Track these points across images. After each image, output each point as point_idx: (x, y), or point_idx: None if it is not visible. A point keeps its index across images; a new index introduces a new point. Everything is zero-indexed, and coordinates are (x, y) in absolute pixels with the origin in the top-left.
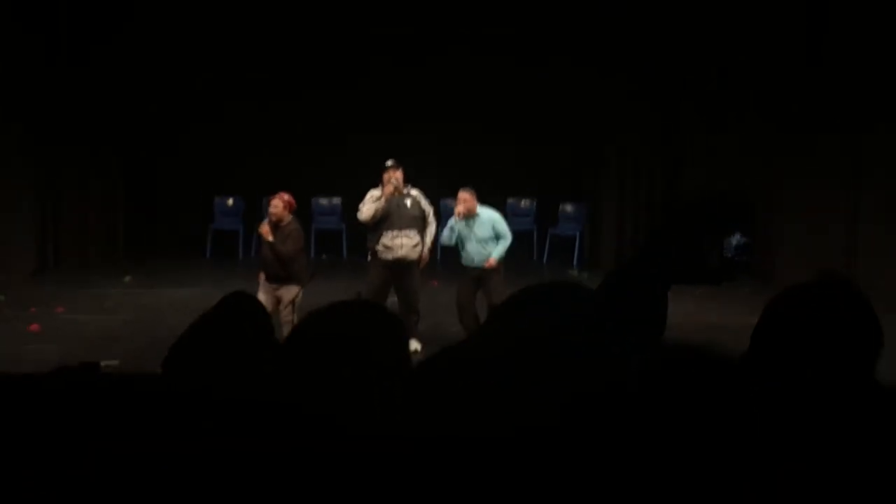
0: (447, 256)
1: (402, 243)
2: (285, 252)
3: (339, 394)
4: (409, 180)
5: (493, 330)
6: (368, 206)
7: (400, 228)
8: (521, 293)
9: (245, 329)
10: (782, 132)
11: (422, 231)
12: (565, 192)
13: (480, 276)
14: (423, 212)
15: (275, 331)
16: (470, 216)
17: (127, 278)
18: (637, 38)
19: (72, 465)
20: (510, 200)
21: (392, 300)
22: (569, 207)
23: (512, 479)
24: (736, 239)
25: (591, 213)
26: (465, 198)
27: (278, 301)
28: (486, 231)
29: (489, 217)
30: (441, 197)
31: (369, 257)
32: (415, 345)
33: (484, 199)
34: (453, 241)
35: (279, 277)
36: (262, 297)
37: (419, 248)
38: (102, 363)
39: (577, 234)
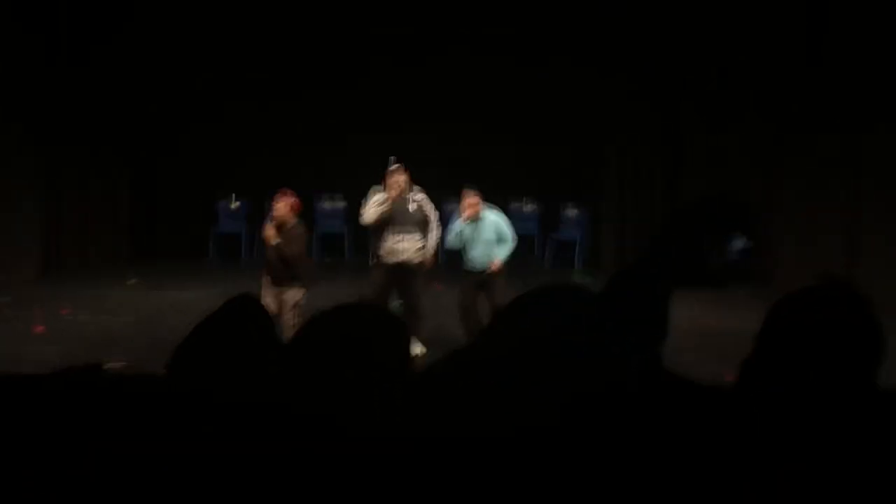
0: (450, 259)
1: (405, 247)
2: (290, 254)
3: (342, 396)
4: (410, 180)
5: (498, 332)
6: (373, 210)
7: (403, 232)
8: (524, 295)
9: (249, 331)
10: (782, 132)
11: (424, 234)
12: (565, 192)
13: (484, 279)
14: (426, 216)
15: (279, 333)
16: (476, 219)
17: (132, 280)
18: (637, 38)
19: (72, 466)
20: (513, 204)
21: (395, 303)
22: (570, 212)
23: (513, 479)
24: (737, 242)
25: (591, 215)
26: (472, 202)
27: (282, 303)
28: (490, 233)
29: (494, 219)
30: (441, 197)
31: (372, 260)
32: (417, 348)
33: (485, 200)
34: (459, 245)
35: (283, 279)
36: (266, 299)
37: (422, 251)
38: (107, 364)
39: (579, 237)
